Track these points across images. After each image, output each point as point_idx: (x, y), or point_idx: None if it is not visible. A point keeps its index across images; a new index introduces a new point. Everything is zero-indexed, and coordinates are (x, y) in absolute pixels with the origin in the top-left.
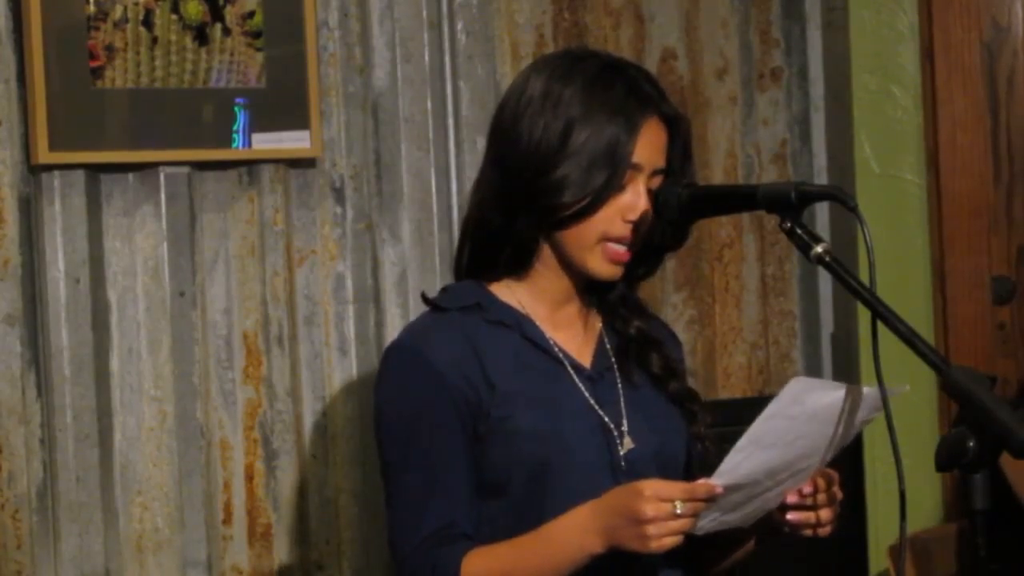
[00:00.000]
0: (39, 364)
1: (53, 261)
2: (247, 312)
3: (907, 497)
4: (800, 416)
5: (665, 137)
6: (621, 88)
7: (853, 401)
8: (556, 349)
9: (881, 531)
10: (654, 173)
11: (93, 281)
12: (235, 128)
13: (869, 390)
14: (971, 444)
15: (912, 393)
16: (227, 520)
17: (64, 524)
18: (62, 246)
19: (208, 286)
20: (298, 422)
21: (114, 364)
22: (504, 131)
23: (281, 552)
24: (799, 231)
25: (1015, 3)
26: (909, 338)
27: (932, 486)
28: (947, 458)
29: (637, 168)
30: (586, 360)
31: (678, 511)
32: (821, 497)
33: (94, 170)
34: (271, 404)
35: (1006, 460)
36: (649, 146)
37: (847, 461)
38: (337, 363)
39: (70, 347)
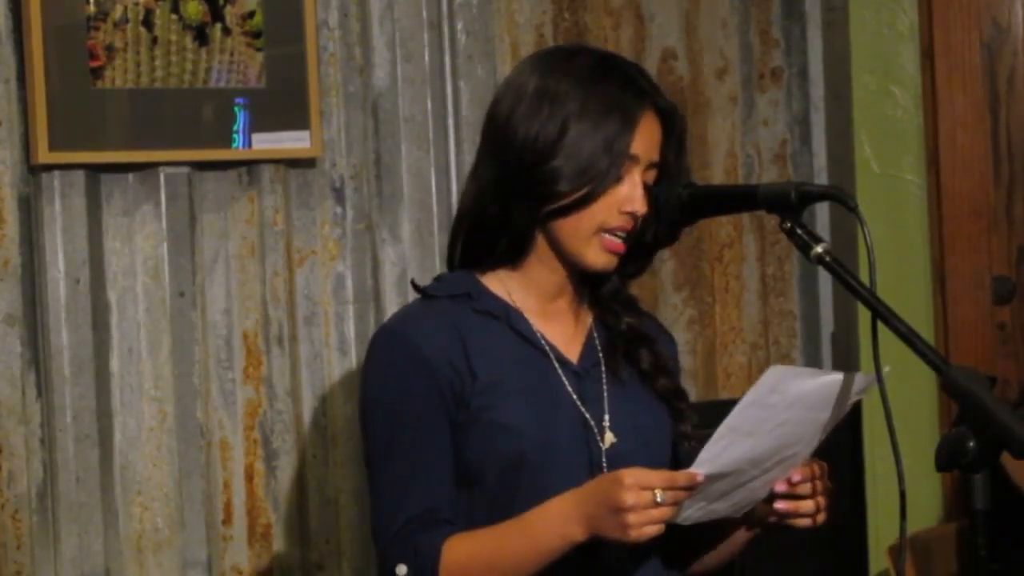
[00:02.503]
0: (39, 364)
1: (53, 261)
2: (247, 312)
3: (907, 497)
4: (779, 404)
5: (660, 130)
6: (616, 82)
7: (838, 389)
8: (543, 342)
9: (881, 531)
10: (649, 166)
11: (93, 281)
12: (235, 128)
13: (849, 375)
14: (971, 444)
15: (912, 393)
16: (227, 520)
17: (64, 524)
18: (62, 246)
19: (208, 286)
20: (298, 422)
21: (114, 364)
22: (500, 128)
23: (281, 552)
24: (799, 231)
25: (1015, 3)
26: (909, 338)
27: (932, 486)
28: (947, 458)
29: (634, 160)
30: (574, 354)
31: (659, 499)
32: (809, 487)
33: (94, 170)
34: (271, 404)
35: (1008, 458)
36: (645, 139)
37: (847, 461)
38: (337, 363)
39: (70, 347)
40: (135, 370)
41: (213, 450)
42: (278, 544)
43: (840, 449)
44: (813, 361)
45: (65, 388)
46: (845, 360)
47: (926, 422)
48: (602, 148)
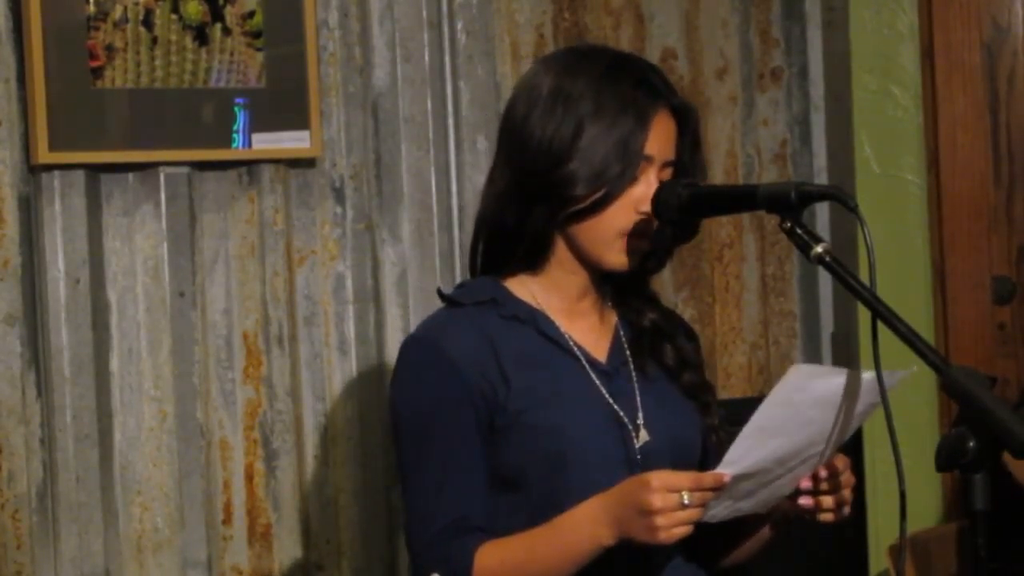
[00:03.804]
0: (39, 364)
1: (53, 261)
2: (247, 312)
3: (907, 497)
4: (803, 403)
5: (674, 129)
6: (630, 82)
7: (857, 386)
8: (571, 343)
9: (881, 531)
10: (665, 165)
11: (93, 281)
12: (235, 128)
13: (873, 376)
14: (971, 444)
15: (912, 393)
16: (227, 520)
17: (64, 524)
18: (62, 246)
19: (208, 286)
20: (298, 422)
21: (114, 364)
22: (515, 130)
23: (281, 552)
24: (799, 231)
25: (1015, 3)
26: (909, 338)
27: (932, 486)
28: (947, 458)
29: (649, 160)
30: (601, 354)
31: (686, 501)
32: (832, 482)
33: (94, 170)
34: (271, 404)
35: (1009, 458)
36: (660, 138)
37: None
38: (337, 363)
39: (70, 347)
40: (135, 370)
41: (213, 450)
42: (278, 544)
43: (840, 449)
44: (813, 361)
45: (65, 388)
46: (845, 360)
47: (926, 422)
48: (616, 149)
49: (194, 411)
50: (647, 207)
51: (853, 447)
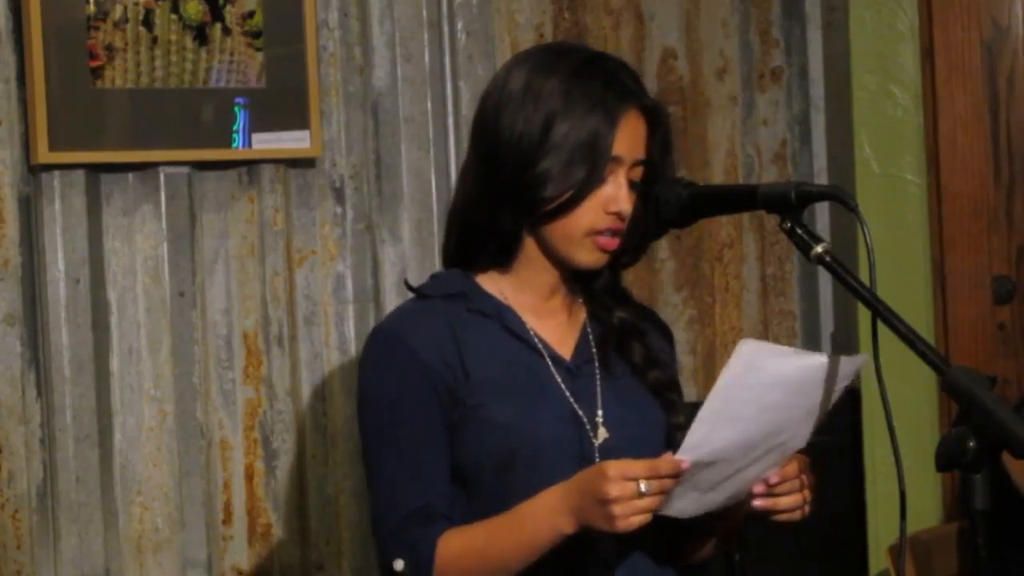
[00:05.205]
0: (39, 364)
1: (53, 261)
2: (247, 312)
3: (907, 497)
4: (759, 384)
5: (645, 128)
6: (600, 81)
7: (822, 372)
8: (536, 340)
9: (881, 531)
10: (635, 164)
11: (93, 281)
12: (235, 128)
13: (833, 359)
14: (971, 444)
15: (912, 393)
16: (227, 520)
17: (64, 524)
18: (62, 246)
19: (208, 286)
20: (298, 422)
21: (114, 364)
22: (486, 125)
23: (281, 552)
24: (799, 231)
25: (1015, 3)
26: (909, 338)
27: (932, 486)
28: (947, 458)
29: (617, 160)
30: (567, 351)
31: (643, 490)
32: (786, 485)
33: (94, 170)
34: (271, 404)
35: (1008, 458)
36: (629, 138)
37: (847, 461)
38: (337, 363)
39: (70, 347)
40: (135, 370)
41: (213, 450)
42: (278, 544)
43: (840, 449)
44: None
45: (65, 388)
46: None
47: (926, 422)
48: (584, 149)
49: (194, 411)
50: (616, 207)
51: (852, 447)
